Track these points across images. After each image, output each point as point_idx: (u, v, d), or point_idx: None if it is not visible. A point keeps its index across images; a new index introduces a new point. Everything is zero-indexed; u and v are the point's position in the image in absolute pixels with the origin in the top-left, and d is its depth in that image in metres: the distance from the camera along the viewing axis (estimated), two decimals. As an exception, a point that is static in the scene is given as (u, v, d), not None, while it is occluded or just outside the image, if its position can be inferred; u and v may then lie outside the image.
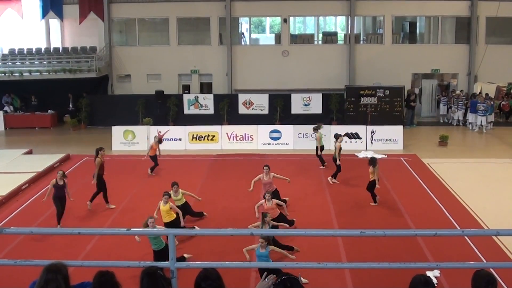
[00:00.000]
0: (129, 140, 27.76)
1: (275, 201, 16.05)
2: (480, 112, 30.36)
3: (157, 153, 22.62)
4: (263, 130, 27.86)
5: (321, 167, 23.26)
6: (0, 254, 14.53)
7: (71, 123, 33.11)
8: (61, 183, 16.96)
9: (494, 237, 15.09)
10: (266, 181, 17.73)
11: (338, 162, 21.02)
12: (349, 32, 35.37)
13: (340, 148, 21.18)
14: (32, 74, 33.47)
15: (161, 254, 13.33)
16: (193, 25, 36.80)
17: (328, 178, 21.26)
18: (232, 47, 35.48)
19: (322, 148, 23.29)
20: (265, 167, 17.78)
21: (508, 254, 14.45)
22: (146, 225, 13.41)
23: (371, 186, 18.62)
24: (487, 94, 32.40)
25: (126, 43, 37.01)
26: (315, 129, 23.54)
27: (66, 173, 22.74)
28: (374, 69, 34.61)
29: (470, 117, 31.36)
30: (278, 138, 27.63)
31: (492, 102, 31.58)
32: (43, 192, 20.35)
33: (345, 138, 27.22)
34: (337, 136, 21.77)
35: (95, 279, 5.50)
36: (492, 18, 33.91)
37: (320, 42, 37.18)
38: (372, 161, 18.69)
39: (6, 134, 32.32)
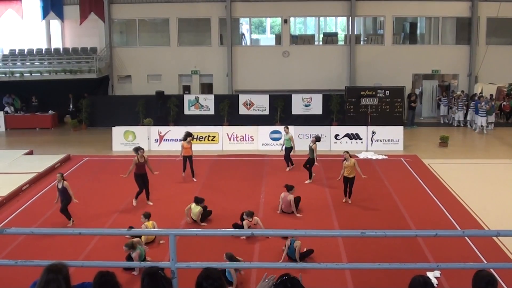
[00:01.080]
0: (130, 140, 27.73)
1: (256, 219, 16.10)
2: (482, 112, 30.35)
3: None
4: (264, 131, 27.86)
5: (288, 168, 23.27)
6: (1, 254, 14.53)
7: (71, 123, 33.11)
8: (59, 186, 16.81)
9: (494, 238, 15.09)
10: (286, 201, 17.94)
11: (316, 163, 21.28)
12: (350, 33, 35.37)
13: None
14: (32, 74, 33.48)
15: None
16: (193, 26, 36.84)
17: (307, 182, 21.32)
18: (233, 47, 35.51)
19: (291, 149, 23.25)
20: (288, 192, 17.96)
21: (509, 254, 14.44)
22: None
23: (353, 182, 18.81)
24: (491, 95, 32.50)
25: (126, 44, 37.05)
26: (287, 129, 23.66)
27: (66, 174, 22.83)
28: (375, 70, 34.62)
29: (475, 118, 31.32)
30: (278, 139, 27.57)
31: (493, 103, 31.62)
32: (44, 193, 20.42)
33: (346, 138, 27.37)
34: (318, 139, 21.67)
35: (96, 279, 5.50)
36: (493, 18, 33.92)
37: (321, 42, 37.22)
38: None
39: (6, 134, 32.35)
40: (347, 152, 18.94)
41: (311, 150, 21.14)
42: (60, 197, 16.91)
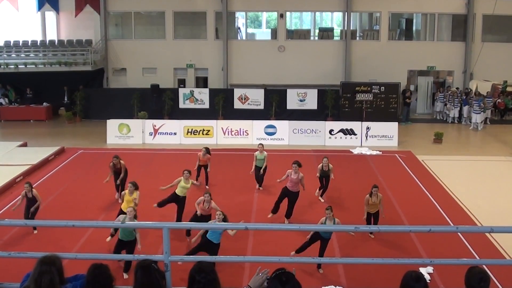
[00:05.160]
0: (124, 133, 27.73)
1: (213, 204, 14.95)
2: (476, 108, 30.48)
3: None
4: (258, 125, 27.86)
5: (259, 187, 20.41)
6: (-7, 246, 14.52)
7: (66, 116, 33.03)
8: (29, 195, 16.07)
9: (487, 234, 15.17)
10: (293, 179, 16.91)
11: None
12: (346, 28, 35.38)
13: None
14: (27, 66, 33.37)
15: (127, 246, 13.33)
16: (189, 19, 36.73)
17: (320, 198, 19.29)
18: (228, 41, 35.44)
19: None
20: (294, 164, 16.96)
21: (502, 251, 14.51)
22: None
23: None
24: (488, 92, 32.67)
25: (122, 37, 36.93)
26: (262, 147, 20.35)
27: (60, 166, 22.82)
28: (370, 66, 34.65)
29: (472, 115, 31.43)
30: (273, 134, 27.65)
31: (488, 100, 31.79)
32: (37, 186, 20.37)
33: (340, 134, 27.39)
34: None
35: (89, 271, 5.50)
36: (489, 15, 33.97)
37: (316, 37, 37.18)
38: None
39: (0, 126, 32.21)
40: (377, 187, 16.01)
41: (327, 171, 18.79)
42: (28, 205, 16.12)
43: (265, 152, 19.95)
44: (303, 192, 17.40)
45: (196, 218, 14.78)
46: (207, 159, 20.29)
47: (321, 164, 18.68)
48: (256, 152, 19.96)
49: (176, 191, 16.33)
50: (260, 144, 20.45)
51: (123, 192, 15.70)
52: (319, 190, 19.12)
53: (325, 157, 18.87)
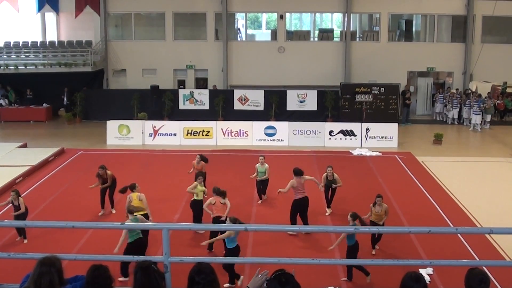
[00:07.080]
0: (124, 134, 27.73)
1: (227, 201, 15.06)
2: (476, 109, 30.51)
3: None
4: (258, 126, 27.86)
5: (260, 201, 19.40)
6: (-7, 247, 14.52)
7: (66, 117, 33.05)
8: (16, 203, 15.64)
9: (487, 236, 15.16)
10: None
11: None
12: (345, 29, 35.40)
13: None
14: (27, 67, 33.42)
15: (135, 246, 13.00)
16: (189, 20, 36.76)
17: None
18: (228, 42, 35.46)
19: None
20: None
21: (501, 252, 14.50)
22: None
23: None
24: (489, 93, 32.67)
25: (122, 38, 36.95)
26: (263, 159, 19.54)
27: (60, 167, 22.80)
28: (370, 67, 34.66)
29: (472, 116, 31.47)
30: (273, 135, 27.64)
31: (491, 102, 31.80)
32: (37, 186, 20.40)
33: (340, 135, 27.39)
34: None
35: (89, 272, 5.50)
36: (488, 17, 34.01)
37: (316, 39, 37.19)
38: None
39: (0, 127, 32.23)
40: (381, 196, 15.03)
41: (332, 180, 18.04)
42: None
43: (266, 165, 19.07)
44: (310, 197, 17.09)
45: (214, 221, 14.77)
46: (201, 166, 19.46)
47: (325, 173, 18.00)
48: (257, 164, 19.18)
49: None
50: (262, 156, 19.49)
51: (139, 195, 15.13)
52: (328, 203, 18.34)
53: (330, 166, 18.12)
